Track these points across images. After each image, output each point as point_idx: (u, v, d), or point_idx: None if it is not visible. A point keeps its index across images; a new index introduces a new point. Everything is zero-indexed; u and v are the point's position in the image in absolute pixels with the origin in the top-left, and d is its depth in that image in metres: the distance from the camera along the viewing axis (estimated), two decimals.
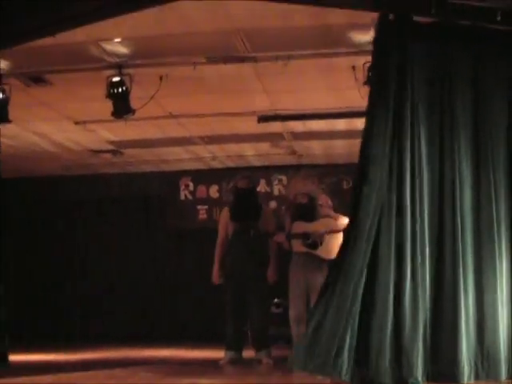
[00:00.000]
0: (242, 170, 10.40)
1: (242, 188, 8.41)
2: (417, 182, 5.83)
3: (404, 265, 5.74)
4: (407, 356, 5.65)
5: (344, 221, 8.09)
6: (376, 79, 6.09)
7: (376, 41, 6.05)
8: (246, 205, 8.33)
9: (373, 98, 5.99)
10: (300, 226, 8.03)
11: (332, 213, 8.25)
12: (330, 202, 8.45)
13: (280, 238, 8.00)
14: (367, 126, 5.90)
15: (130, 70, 8.24)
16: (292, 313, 8.02)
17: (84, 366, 8.16)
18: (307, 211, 8.12)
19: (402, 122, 5.84)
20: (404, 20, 5.96)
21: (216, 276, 8.30)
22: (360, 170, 5.88)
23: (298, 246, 8.01)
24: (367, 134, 5.87)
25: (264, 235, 8.11)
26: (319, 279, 7.95)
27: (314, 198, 8.20)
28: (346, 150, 12.42)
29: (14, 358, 8.64)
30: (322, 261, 8.02)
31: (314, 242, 7.99)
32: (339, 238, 8.06)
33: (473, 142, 5.98)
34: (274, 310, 11.48)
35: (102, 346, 11.60)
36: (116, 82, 8.22)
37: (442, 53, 6.06)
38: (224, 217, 8.48)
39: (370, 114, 5.94)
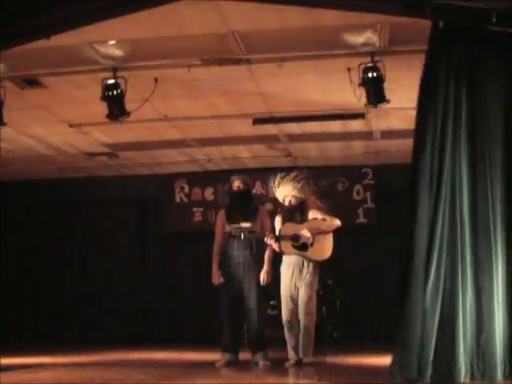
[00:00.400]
0: (238, 172, 10.39)
1: (236, 190, 8.43)
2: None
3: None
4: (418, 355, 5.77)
5: (334, 222, 8.09)
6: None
7: (429, 45, 6.13)
8: (241, 207, 8.34)
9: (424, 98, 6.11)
10: (289, 228, 8.03)
11: (321, 214, 8.21)
12: (319, 204, 8.42)
13: (270, 240, 7.99)
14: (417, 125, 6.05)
15: (125, 73, 8.23)
16: (284, 316, 8.02)
17: (80, 367, 8.14)
18: (296, 213, 8.12)
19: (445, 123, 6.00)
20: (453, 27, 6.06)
21: (216, 277, 8.29)
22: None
23: (287, 248, 8.01)
24: (417, 134, 6.03)
25: (260, 237, 8.11)
26: (309, 280, 7.97)
27: (303, 200, 8.20)
28: (342, 151, 12.44)
29: (12, 359, 8.65)
30: (311, 262, 8.03)
31: (303, 243, 7.99)
32: (329, 240, 8.07)
33: (470, 141, 6.01)
34: (269, 311, 11.47)
35: (99, 347, 11.59)
36: (111, 85, 8.21)
37: (445, 53, 6.13)
38: (221, 218, 8.49)
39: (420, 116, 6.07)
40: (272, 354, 8.33)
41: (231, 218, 8.31)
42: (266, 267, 8.21)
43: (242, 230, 8.14)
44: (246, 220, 8.23)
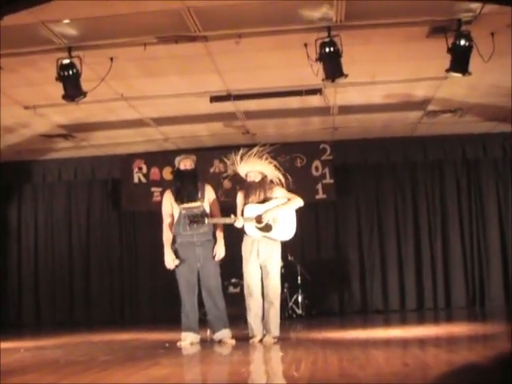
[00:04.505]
0: (195, 151, 10.34)
1: (185, 169, 8.33)
2: None
3: None
4: None
5: (296, 202, 8.08)
6: None
7: None
8: (189, 186, 8.25)
9: None
10: (252, 209, 7.98)
11: (285, 193, 8.18)
12: (282, 181, 8.35)
13: (234, 222, 7.92)
14: None
15: (80, 52, 8.13)
16: (249, 294, 8.00)
17: (44, 350, 8.07)
18: (258, 190, 8.07)
19: None
20: None
21: (169, 261, 8.20)
22: None
23: (251, 230, 7.97)
24: None
25: (211, 216, 8.13)
26: (274, 260, 7.98)
27: (265, 176, 8.16)
28: (300, 128, 12.44)
29: None
30: (275, 242, 8.04)
31: (267, 224, 7.97)
32: (292, 219, 8.06)
33: None
34: (231, 289, 11.50)
35: (62, 330, 11.55)
36: (66, 65, 8.10)
37: None
38: (167, 200, 8.36)
39: None
40: (234, 332, 8.32)
41: (180, 199, 8.23)
42: (219, 243, 8.20)
43: (192, 209, 8.12)
44: (195, 199, 8.20)
